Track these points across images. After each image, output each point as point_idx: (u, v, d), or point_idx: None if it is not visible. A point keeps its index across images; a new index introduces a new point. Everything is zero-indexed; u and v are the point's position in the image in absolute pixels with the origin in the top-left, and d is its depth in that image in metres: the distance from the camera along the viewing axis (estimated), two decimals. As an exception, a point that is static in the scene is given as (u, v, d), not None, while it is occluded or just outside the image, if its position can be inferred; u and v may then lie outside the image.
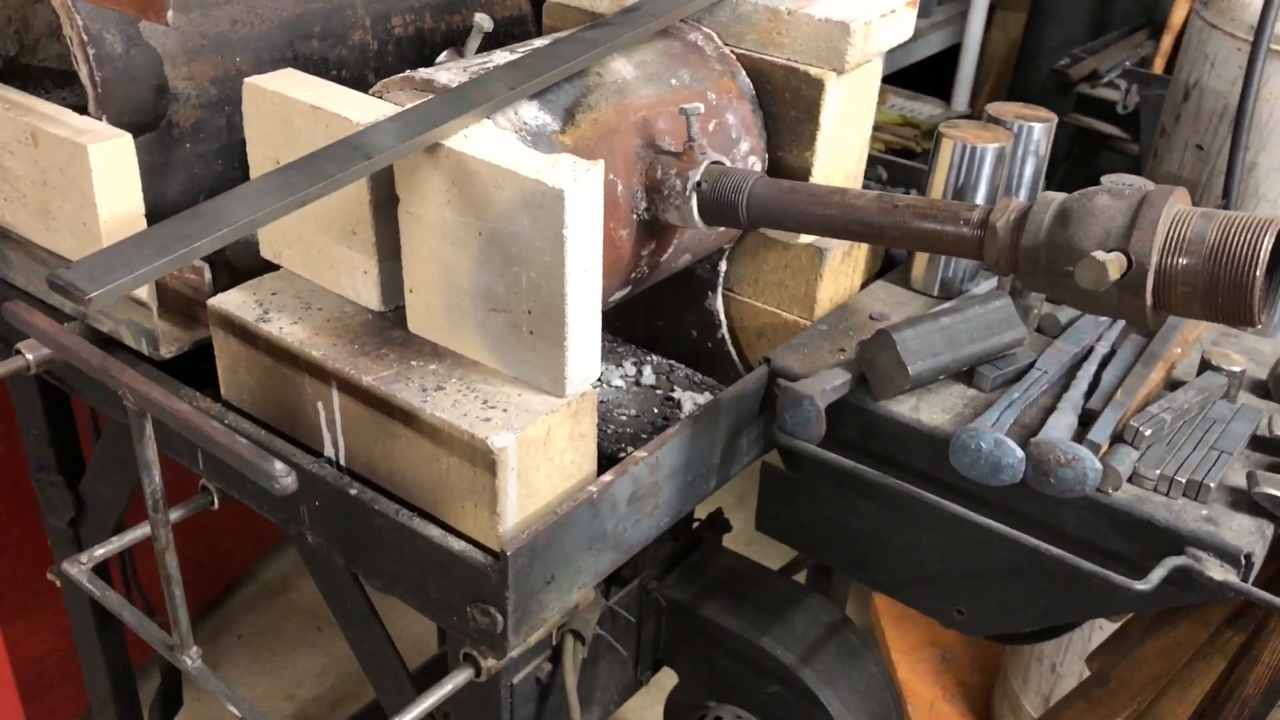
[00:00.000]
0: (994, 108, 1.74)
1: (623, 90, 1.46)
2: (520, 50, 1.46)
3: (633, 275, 1.52)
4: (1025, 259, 1.18)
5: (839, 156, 1.66)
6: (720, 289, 1.76)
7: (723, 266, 1.74)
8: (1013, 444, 1.37)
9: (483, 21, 1.57)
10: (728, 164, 1.45)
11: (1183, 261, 1.08)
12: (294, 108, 1.38)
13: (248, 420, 1.50)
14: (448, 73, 1.37)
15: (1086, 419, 1.43)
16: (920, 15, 2.67)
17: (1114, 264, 1.06)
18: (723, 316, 1.77)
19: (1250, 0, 2.30)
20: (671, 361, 1.85)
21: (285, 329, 1.42)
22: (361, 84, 1.84)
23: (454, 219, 1.30)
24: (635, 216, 1.46)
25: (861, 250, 1.75)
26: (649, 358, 1.85)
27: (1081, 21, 4.70)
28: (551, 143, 1.36)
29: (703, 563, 1.91)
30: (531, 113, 1.36)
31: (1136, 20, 4.33)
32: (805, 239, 1.65)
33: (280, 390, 1.45)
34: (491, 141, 1.27)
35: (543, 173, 1.22)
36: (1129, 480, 1.36)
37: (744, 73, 1.61)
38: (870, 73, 1.64)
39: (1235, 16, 2.32)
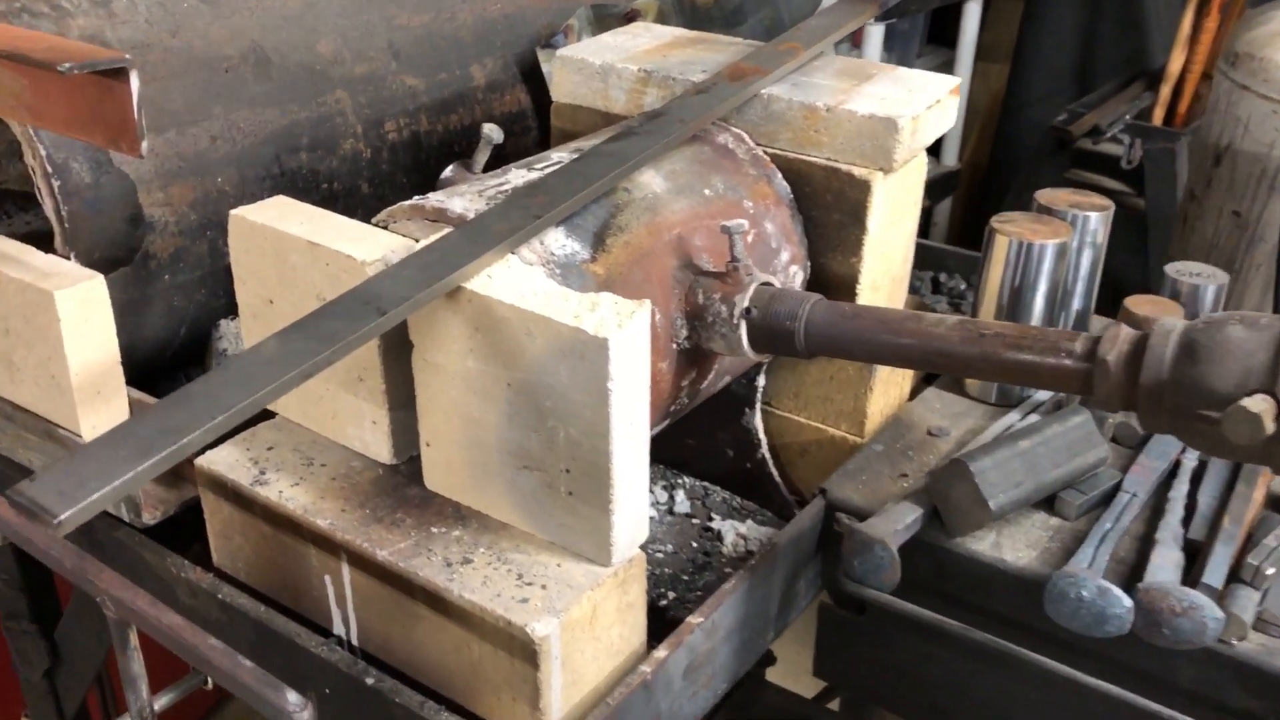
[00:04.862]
0: (1045, 196, 1.60)
1: (654, 206, 1.31)
2: (539, 167, 1.30)
3: (672, 408, 1.36)
4: (1146, 398, 1.02)
5: (886, 260, 1.51)
6: (759, 404, 1.60)
7: (760, 381, 1.58)
8: (1118, 592, 1.21)
9: (492, 133, 1.42)
10: (776, 283, 1.30)
11: (1343, 404, 0.93)
12: (288, 243, 1.22)
13: (244, 593, 1.31)
14: (462, 199, 1.22)
15: (1191, 550, 1.28)
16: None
17: (1269, 414, 0.91)
18: (762, 434, 1.61)
19: (1284, 60, 2.19)
20: (705, 484, 1.68)
21: (285, 493, 1.25)
22: (354, 195, 1.69)
23: (478, 369, 1.13)
24: (675, 346, 1.30)
25: (910, 357, 1.60)
26: (680, 480, 1.69)
27: (1065, 72, 4.60)
28: (582, 273, 1.20)
29: (747, 703, 1.74)
30: (559, 241, 1.21)
31: (1121, 69, 4.23)
32: (853, 351, 1.50)
33: (281, 560, 1.28)
34: (519, 282, 1.11)
35: (581, 318, 1.06)
36: (1253, 627, 1.21)
37: (780, 175, 1.46)
38: (916, 168, 1.50)
39: (1269, 77, 2.21)
